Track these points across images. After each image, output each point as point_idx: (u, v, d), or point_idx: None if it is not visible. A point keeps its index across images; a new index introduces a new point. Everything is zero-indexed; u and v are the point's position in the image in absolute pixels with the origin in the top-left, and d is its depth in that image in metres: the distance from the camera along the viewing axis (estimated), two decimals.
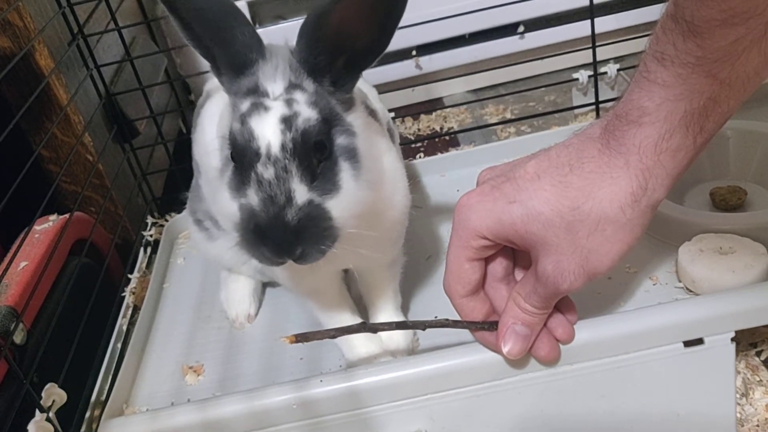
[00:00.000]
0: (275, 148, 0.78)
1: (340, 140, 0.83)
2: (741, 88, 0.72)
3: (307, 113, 0.80)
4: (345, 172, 0.82)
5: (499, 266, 0.89)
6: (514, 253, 0.90)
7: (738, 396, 0.97)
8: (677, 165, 0.76)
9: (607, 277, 0.81)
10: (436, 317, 1.08)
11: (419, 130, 1.98)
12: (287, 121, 0.79)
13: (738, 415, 0.95)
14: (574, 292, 0.81)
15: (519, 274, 0.91)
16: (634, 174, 0.75)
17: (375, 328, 0.86)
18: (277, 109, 0.80)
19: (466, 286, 0.87)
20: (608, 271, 0.79)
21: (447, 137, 1.89)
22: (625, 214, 0.76)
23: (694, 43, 0.69)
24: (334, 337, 0.87)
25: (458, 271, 0.86)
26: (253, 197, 0.79)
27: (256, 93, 0.81)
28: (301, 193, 0.79)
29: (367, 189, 0.85)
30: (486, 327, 0.88)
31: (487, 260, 0.89)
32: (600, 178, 0.77)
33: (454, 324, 0.88)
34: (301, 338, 0.82)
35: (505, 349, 0.86)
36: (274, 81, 0.82)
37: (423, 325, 0.88)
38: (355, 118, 0.86)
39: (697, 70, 0.70)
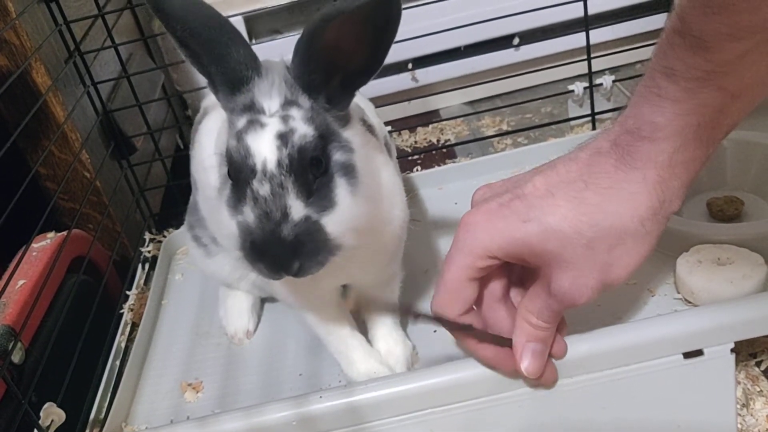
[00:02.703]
0: (271, 165, 0.78)
1: (337, 156, 0.83)
2: (749, 99, 0.72)
3: (303, 129, 0.80)
4: (341, 188, 0.81)
5: (497, 285, 0.88)
6: (509, 272, 0.90)
7: (738, 407, 0.97)
8: (690, 175, 0.77)
9: None
10: (435, 332, 1.09)
11: (416, 142, 1.98)
12: (283, 138, 0.79)
13: (739, 425, 0.95)
14: (588, 304, 0.81)
15: (512, 292, 0.91)
16: (652, 188, 0.76)
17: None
18: (273, 126, 0.79)
19: (464, 305, 0.86)
20: (623, 282, 0.80)
21: (444, 150, 1.89)
22: (645, 227, 0.77)
23: (702, 57, 0.69)
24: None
25: (458, 290, 0.85)
26: (249, 214, 0.79)
27: (252, 110, 0.81)
28: (297, 209, 0.78)
29: (365, 204, 0.84)
30: (492, 339, 0.86)
31: (486, 280, 0.88)
32: (617, 194, 0.77)
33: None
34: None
35: (523, 367, 0.84)
36: (269, 98, 0.81)
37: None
38: (352, 134, 0.86)
39: (706, 84, 0.70)
